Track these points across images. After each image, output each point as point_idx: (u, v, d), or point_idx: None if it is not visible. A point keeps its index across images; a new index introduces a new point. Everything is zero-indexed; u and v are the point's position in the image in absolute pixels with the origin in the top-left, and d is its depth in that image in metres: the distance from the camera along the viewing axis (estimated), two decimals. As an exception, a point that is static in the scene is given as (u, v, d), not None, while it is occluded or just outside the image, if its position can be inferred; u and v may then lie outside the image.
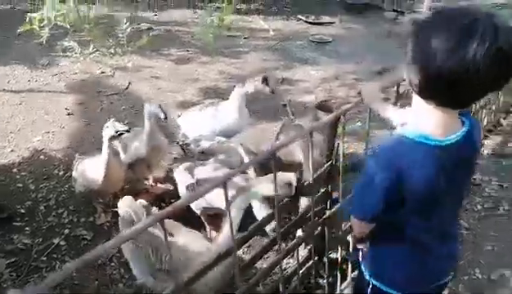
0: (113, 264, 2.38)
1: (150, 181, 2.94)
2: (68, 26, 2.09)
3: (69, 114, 3.85)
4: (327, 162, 1.90)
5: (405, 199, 1.16)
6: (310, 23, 6.53)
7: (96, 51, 2.24)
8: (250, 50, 5.50)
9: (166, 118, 2.37)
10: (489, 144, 3.52)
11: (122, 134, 2.33)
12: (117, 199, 2.70)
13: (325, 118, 1.63)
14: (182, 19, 6.35)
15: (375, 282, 1.39)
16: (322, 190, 1.97)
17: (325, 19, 6.67)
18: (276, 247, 1.60)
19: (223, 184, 1.22)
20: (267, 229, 1.88)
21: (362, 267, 1.46)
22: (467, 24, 0.95)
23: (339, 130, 1.82)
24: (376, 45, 5.57)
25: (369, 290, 1.42)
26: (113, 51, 2.30)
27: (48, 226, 2.63)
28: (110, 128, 2.33)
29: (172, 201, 2.72)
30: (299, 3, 7.53)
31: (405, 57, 1.09)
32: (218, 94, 4.22)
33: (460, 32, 0.95)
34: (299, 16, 6.71)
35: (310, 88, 4.47)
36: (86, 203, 2.79)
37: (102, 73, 4.60)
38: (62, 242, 2.52)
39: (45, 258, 2.39)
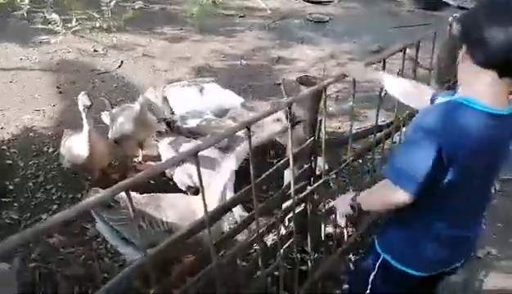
0: (99, 239, 2.39)
1: (140, 158, 2.93)
2: (49, -2, 2.03)
3: (60, 93, 3.82)
4: (310, 137, 1.87)
5: (447, 170, 1.14)
6: (308, 2, 6.40)
7: (79, 24, 2.17)
8: (246, 28, 5.41)
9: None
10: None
11: (89, 108, 2.28)
12: (106, 176, 2.71)
13: (306, 91, 1.59)
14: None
15: (386, 257, 1.38)
16: (306, 166, 1.95)
17: (324, -2, 6.54)
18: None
19: (194, 155, 1.19)
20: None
21: (376, 241, 1.44)
22: None
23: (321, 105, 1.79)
24: (374, 24, 5.46)
25: (378, 263, 1.41)
26: (97, 25, 2.23)
27: (36, 202, 2.63)
28: (79, 102, 2.32)
29: (164, 179, 2.77)
30: (298, -18, 7.38)
31: (465, 30, 1.13)
32: (211, 73, 4.17)
33: None
34: (297, -5, 6.58)
35: (305, 67, 4.41)
36: (74, 180, 2.79)
37: (95, 51, 4.54)
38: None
39: (32, 233, 2.40)
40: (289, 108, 1.46)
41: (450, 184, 1.17)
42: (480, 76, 1.12)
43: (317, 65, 4.44)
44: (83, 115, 2.33)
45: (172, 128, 2.63)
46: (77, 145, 2.40)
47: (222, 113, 2.87)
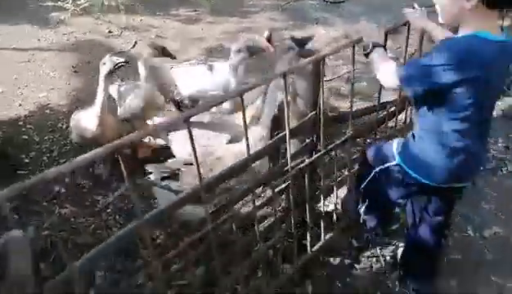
0: (109, 210, 2.47)
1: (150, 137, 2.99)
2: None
3: (75, 72, 3.91)
4: (311, 111, 1.87)
5: (457, 85, 1.31)
6: (325, -18, 6.28)
7: (88, 1, 2.21)
8: (260, 9, 5.37)
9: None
10: (500, 106, 3.37)
11: (122, 65, 2.26)
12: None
13: (303, 62, 1.59)
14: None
15: (401, 164, 1.58)
16: (307, 140, 1.95)
17: (341, -22, 6.39)
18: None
19: (187, 121, 1.22)
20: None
21: (394, 143, 1.65)
22: None
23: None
24: (391, 4, 5.32)
25: (388, 164, 1.63)
26: (105, 3, 2.28)
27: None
28: (107, 63, 2.26)
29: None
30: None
31: None
32: (222, 54, 4.17)
33: None
34: (314, -25, 6.45)
35: (317, 47, 4.34)
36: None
37: (110, 32, 4.62)
38: (63, 190, 2.62)
39: (45, 203, 2.51)
40: (284, 78, 1.47)
41: (463, 99, 1.35)
42: (480, 12, 1.30)
43: (331, 45, 4.38)
44: (101, 82, 2.30)
45: (180, 108, 2.66)
46: (86, 119, 2.44)
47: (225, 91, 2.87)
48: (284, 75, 1.46)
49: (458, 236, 2.30)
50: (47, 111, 3.34)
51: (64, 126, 3.15)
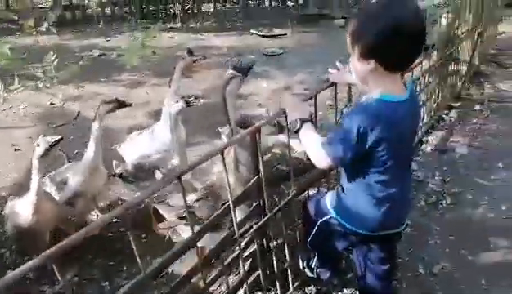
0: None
1: (97, 212, 2.90)
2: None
3: (16, 150, 3.77)
4: (254, 176, 1.92)
5: (375, 145, 1.42)
6: (263, 36, 6.67)
7: (22, 85, 2.21)
8: (204, 68, 5.54)
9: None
10: (432, 141, 3.65)
11: (56, 144, 2.16)
12: (61, 235, 2.65)
13: (240, 134, 1.66)
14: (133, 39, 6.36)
15: (335, 216, 1.69)
16: (254, 204, 1.99)
17: (278, 31, 6.83)
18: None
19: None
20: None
21: (328, 204, 1.74)
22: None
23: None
24: (326, 53, 5.70)
25: (324, 219, 1.74)
26: (40, 85, 2.28)
27: (-11, 268, 2.54)
28: (41, 144, 2.15)
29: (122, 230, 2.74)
30: (252, 17, 7.69)
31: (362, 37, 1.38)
32: (169, 115, 4.22)
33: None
34: (252, 30, 6.84)
35: (261, 101, 4.54)
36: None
37: (52, 104, 4.55)
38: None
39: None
40: (222, 153, 1.52)
41: (381, 155, 1.46)
42: (382, 76, 1.41)
43: (273, 98, 4.58)
44: (35, 165, 2.18)
45: (123, 178, 2.64)
46: (21, 206, 2.31)
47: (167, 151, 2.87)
48: (221, 152, 1.52)
49: (411, 275, 2.38)
50: (-16, 197, 3.16)
51: (3, 212, 2.97)
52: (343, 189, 1.67)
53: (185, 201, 1.45)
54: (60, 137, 2.24)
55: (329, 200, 1.75)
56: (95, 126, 2.56)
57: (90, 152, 2.56)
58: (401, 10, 1.34)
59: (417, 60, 3.21)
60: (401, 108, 1.44)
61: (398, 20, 1.32)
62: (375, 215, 1.59)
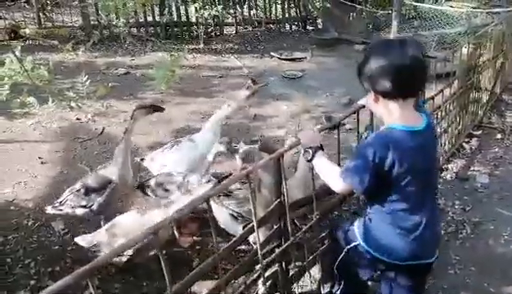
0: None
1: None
2: (29, 82, 2.19)
3: (42, 163, 3.90)
4: (276, 199, 1.96)
5: (392, 172, 1.47)
6: (283, 59, 6.79)
7: (55, 104, 2.33)
8: (225, 88, 5.68)
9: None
10: (452, 168, 3.63)
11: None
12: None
13: (264, 159, 1.72)
14: (160, 62, 6.56)
15: (363, 245, 1.71)
16: (275, 227, 2.02)
17: (298, 54, 6.94)
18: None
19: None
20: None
21: (356, 233, 1.75)
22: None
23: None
24: (345, 77, 5.76)
25: (351, 245, 1.77)
26: (73, 105, 2.40)
27: (14, 279, 2.62)
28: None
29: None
30: (273, 40, 7.85)
31: (367, 77, 1.51)
32: (190, 134, 4.32)
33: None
34: (272, 53, 6.97)
35: (281, 123, 4.60)
36: (54, 253, 2.80)
37: (78, 119, 4.71)
38: (27, 294, 2.50)
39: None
40: (247, 177, 1.58)
41: (398, 184, 1.51)
42: (391, 106, 1.51)
43: (293, 120, 4.65)
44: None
45: (145, 192, 2.72)
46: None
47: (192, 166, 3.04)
48: (248, 173, 1.58)
49: (432, 306, 2.35)
50: (12, 207, 3.27)
51: (29, 223, 3.08)
52: (370, 219, 1.70)
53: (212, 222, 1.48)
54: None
55: (357, 228, 1.78)
56: (128, 130, 2.78)
57: (119, 156, 2.76)
58: (397, 53, 1.47)
59: (439, 88, 3.26)
60: (415, 137, 1.50)
61: (393, 62, 1.46)
62: (401, 244, 1.60)
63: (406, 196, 1.54)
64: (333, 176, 1.59)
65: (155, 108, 2.87)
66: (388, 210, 1.58)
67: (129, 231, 2.19)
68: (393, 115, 1.52)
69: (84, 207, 2.74)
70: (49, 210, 2.82)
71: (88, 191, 2.75)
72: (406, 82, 1.48)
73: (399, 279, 1.79)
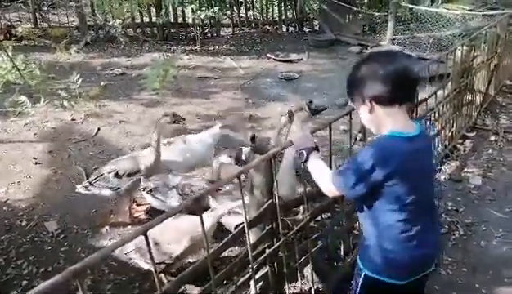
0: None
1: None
2: (21, 82, 2.17)
3: (36, 163, 3.89)
4: (267, 200, 1.97)
5: (387, 179, 1.42)
6: (279, 61, 6.80)
7: (47, 103, 2.32)
8: (221, 89, 5.69)
9: None
10: (446, 170, 3.64)
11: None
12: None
13: (256, 160, 1.72)
14: (154, 63, 6.56)
15: (368, 273, 1.59)
16: (267, 227, 2.03)
17: (294, 56, 6.97)
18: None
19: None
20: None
21: (358, 258, 1.66)
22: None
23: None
24: (342, 78, 5.78)
25: (360, 279, 1.62)
26: (66, 104, 2.39)
27: (6, 279, 2.61)
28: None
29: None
30: (269, 42, 7.87)
31: (361, 84, 1.48)
32: (186, 133, 4.32)
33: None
34: (269, 55, 6.99)
35: (274, 124, 4.60)
36: (47, 253, 2.79)
37: (73, 120, 4.70)
38: (19, 295, 2.49)
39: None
40: (239, 178, 1.58)
41: (394, 192, 1.46)
42: (387, 113, 1.47)
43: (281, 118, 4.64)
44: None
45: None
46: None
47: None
48: (239, 174, 1.58)
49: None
50: (5, 208, 3.26)
51: (23, 224, 3.07)
52: (365, 238, 1.63)
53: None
54: None
55: (358, 256, 1.67)
56: (154, 137, 2.91)
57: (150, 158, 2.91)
58: (388, 63, 1.47)
59: (432, 90, 3.27)
60: (410, 143, 1.47)
61: (388, 65, 1.45)
62: (403, 259, 1.52)
63: (403, 205, 1.47)
64: (324, 179, 1.57)
65: (177, 118, 3.00)
66: (386, 222, 1.51)
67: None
68: (390, 122, 1.48)
69: (111, 188, 2.91)
70: (79, 189, 2.99)
71: (118, 174, 2.91)
72: (403, 84, 1.46)
73: None
